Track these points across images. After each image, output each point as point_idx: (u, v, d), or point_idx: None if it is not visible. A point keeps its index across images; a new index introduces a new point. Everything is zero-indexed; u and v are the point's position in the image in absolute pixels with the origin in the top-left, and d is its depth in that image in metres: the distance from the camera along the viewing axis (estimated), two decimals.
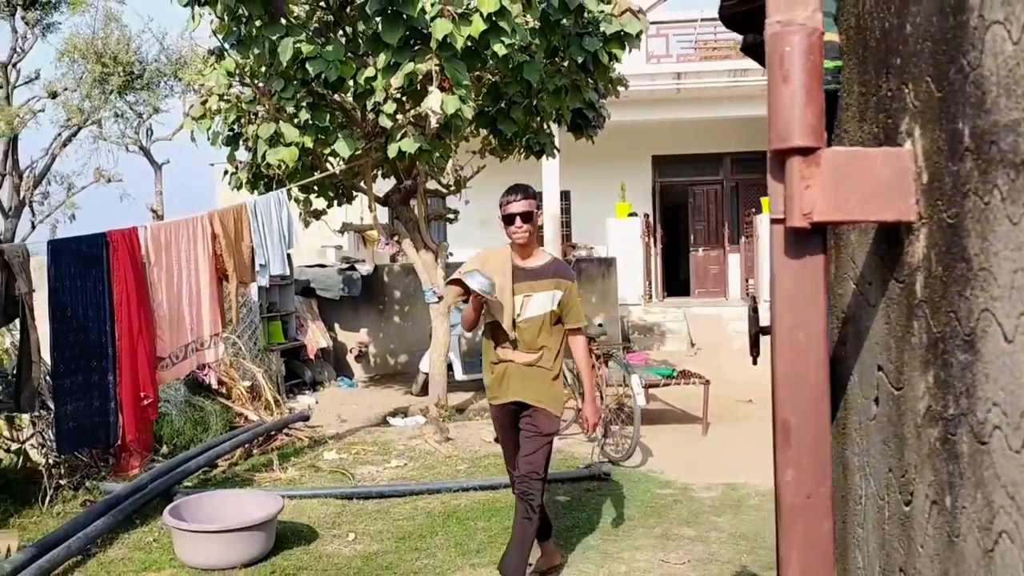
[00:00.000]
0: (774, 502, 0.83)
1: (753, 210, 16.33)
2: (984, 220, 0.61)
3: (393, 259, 14.89)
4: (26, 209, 22.15)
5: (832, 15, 0.87)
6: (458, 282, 4.10)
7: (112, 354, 4.96)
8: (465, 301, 4.23)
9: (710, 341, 13.85)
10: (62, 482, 5.82)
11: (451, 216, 10.45)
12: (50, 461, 5.83)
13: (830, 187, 0.69)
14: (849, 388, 0.84)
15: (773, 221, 0.77)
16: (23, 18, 21.42)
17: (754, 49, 1.54)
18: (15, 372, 4.62)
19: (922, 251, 0.67)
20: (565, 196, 17.09)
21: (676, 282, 18.83)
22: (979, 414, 0.63)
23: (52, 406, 5.01)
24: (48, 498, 5.64)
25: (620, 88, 9.05)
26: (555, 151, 9.42)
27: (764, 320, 1.58)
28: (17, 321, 4.53)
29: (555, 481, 6.13)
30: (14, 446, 5.92)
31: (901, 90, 0.70)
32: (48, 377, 5.21)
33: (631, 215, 15.67)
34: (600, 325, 8.49)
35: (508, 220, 4.10)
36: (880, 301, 0.76)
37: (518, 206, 4.07)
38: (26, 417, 5.93)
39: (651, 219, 17.29)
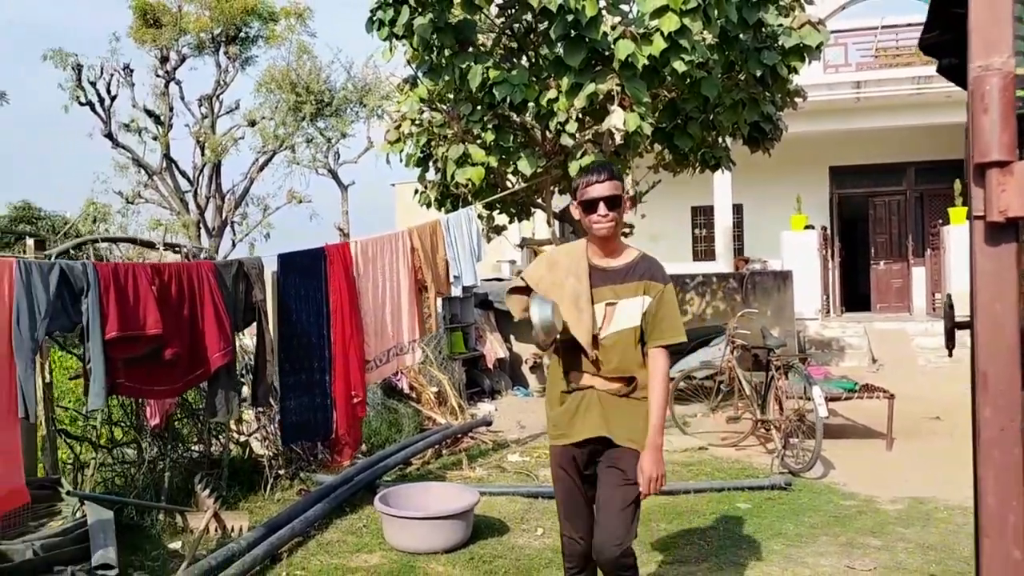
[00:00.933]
0: (972, 441, 1.04)
1: (940, 221, 15.61)
2: None
3: None
4: (227, 229, 24.14)
5: None
6: (522, 290, 3.39)
7: (328, 356, 5.51)
8: None
9: (893, 357, 13.36)
10: (280, 472, 6.47)
11: (626, 230, 10.68)
12: (270, 453, 6.50)
13: (1021, 191, 0.91)
14: None
15: (975, 218, 0.99)
16: (226, 53, 23.46)
17: (950, 71, 1.71)
18: (252, 371, 5.23)
19: None
20: (738, 209, 16.97)
21: (855, 296, 18.22)
22: None
23: (276, 403, 5.61)
24: (269, 486, 6.29)
25: (798, 99, 9.03)
26: (730, 164, 9.49)
27: (958, 317, 1.74)
28: (253, 326, 5.14)
29: (734, 490, 6.23)
30: (241, 439, 6.63)
31: None
32: (276, 376, 5.84)
33: (807, 228, 15.37)
34: (777, 337, 8.47)
35: (588, 207, 3.18)
36: None
37: (602, 188, 3.15)
38: (250, 413, 6.64)
39: (828, 231, 16.86)
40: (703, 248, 18.64)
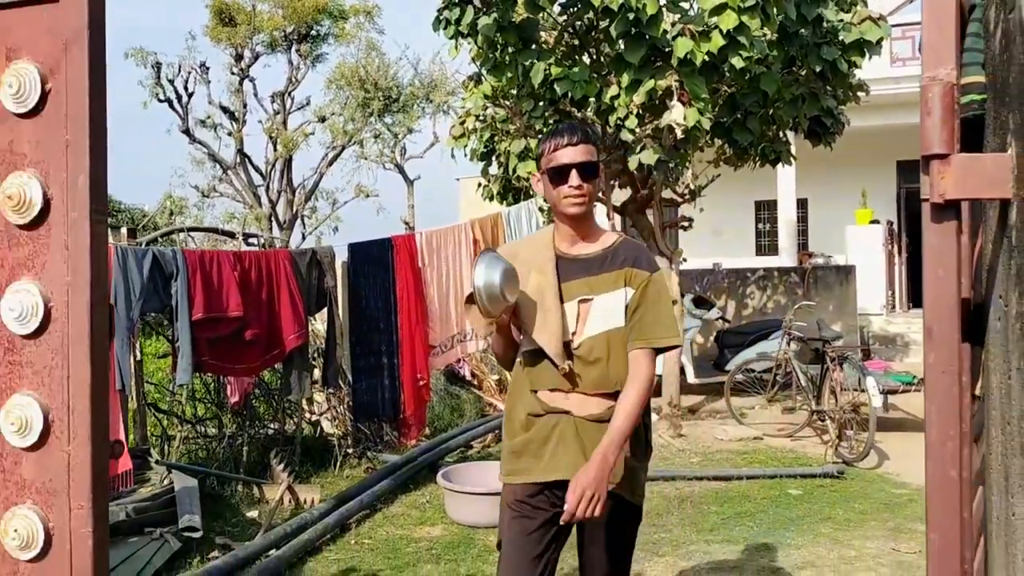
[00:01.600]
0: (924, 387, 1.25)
1: None
2: None
3: None
4: (297, 222, 24.84)
5: (981, 63, 1.28)
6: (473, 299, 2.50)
7: (396, 340, 5.84)
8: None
9: None
10: (349, 451, 6.82)
11: (685, 224, 10.80)
12: (339, 432, 6.86)
13: (957, 177, 1.12)
14: (987, 315, 1.26)
15: (923, 200, 1.20)
16: (298, 51, 24.12)
17: None
18: (324, 354, 5.59)
19: (1015, 216, 1.09)
20: (802, 204, 16.88)
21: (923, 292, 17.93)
22: None
23: (345, 385, 5.95)
24: (338, 463, 6.64)
25: (860, 94, 9.05)
26: (791, 159, 9.55)
27: None
28: (324, 311, 5.49)
29: (786, 476, 6.37)
30: (312, 418, 7.01)
31: (1008, 117, 1.11)
32: (345, 359, 6.19)
33: (872, 222, 15.23)
34: (833, 329, 8.54)
35: (557, 176, 2.48)
36: (1000, 252, 1.17)
37: (574, 152, 2.46)
38: (321, 394, 7.01)
39: (895, 226, 16.66)
40: (766, 243, 18.57)
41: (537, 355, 2.52)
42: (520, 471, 2.53)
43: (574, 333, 2.50)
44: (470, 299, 2.53)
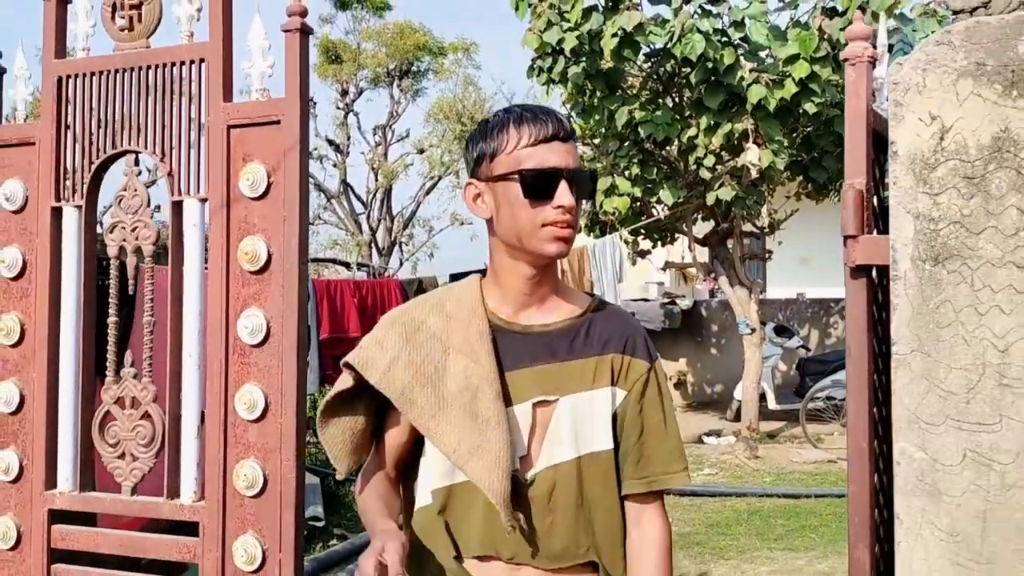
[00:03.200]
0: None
1: None
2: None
3: (712, 295, 15.81)
4: (396, 248, 25.97)
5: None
6: (347, 398, 1.57)
7: None
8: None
9: None
10: None
11: (766, 256, 11.22)
12: None
13: (861, 251, 1.72)
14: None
15: (845, 264, 1.79)
16: (399, 86, 25.38)
17: None
18: None
19: (888, 277, 1.68)
20: None
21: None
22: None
23: None
24: None
25: None
26: None
27: None
28: None
29: None
30: None
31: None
32: None
33: None
34: None
35: (536, 186, 1.44)
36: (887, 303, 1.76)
37: (563, 152, 1.47)
38: None
39: None
40: None
41: (464, 494, 1.49)
42: None
43: (524, 458, 1.49)
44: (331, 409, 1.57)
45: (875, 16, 7.08)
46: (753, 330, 9.48)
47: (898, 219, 1.45)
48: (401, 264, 26.41)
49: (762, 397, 10.07)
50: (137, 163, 2.27)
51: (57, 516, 2.32)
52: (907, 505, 1.41)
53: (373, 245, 24.75)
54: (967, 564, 1.36)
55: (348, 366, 1.55)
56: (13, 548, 2.36)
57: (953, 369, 1.38)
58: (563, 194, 1.44)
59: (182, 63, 2.20)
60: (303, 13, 2.13)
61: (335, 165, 24.46)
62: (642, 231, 10.42)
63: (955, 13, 1.48)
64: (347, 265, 6.98)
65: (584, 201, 1.64)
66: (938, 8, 8.34)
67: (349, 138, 25.17)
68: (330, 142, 24.36)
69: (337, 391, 1.56)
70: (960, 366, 1.38)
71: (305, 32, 2.14)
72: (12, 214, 2.38)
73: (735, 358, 12.66)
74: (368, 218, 25.03)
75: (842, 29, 7.33)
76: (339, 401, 1.56)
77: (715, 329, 13.59)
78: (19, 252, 2.36)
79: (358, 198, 24.97)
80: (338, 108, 24.66)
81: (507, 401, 1.49)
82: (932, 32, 8.18)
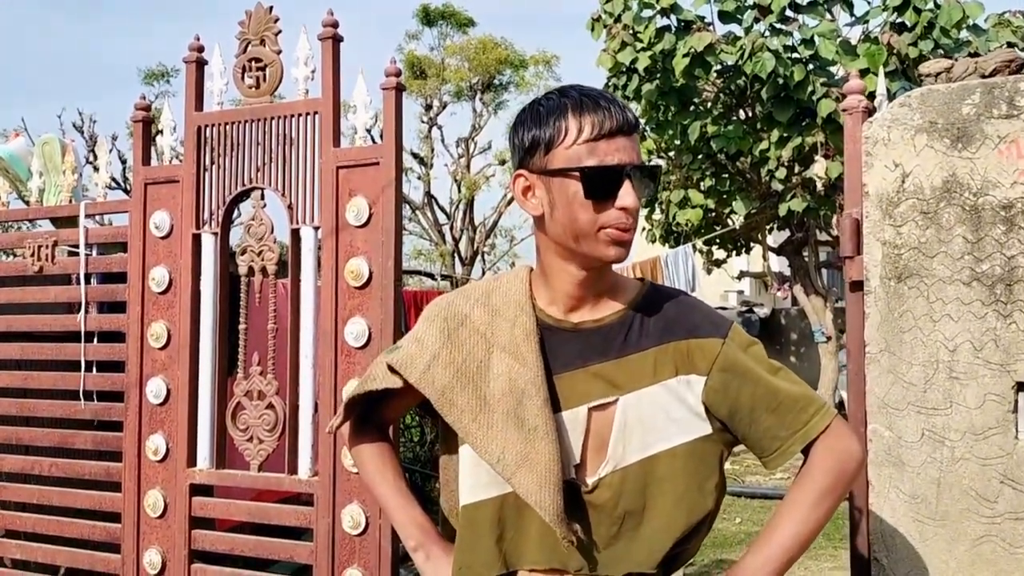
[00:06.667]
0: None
1: None
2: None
3: (793, 302, 15.86)
4: (478, 258, 26.58)
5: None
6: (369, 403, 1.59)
7: None
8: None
9: None
10: None
11: (841, 264, 11.28)
12: None
13: (856, 269, 2.06)
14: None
15: (847, 279, 2.13)
16: (481, 99, 26.02)
17: None
18: None
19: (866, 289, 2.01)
20: None
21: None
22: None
23: None
24: None
25: None
26: None
27: None
28: None
29: None
30: None
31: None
32: None
33: None
34: None
35: (599, 184, 1.33)
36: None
37: (628, 147, 1.35)
38: None
39: None
40: None
41: (512, 507, 1.40)
42: None
43: (579, 466, 1.39)
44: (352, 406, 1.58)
45: (944, 32, 7.24)
46: (829, 338, 9.63)
47: (869, 245, 1.80)
48: (483, 273, 26.95)
49: (839, 405, 10.18)
50: (263, 197, 2.75)
51: (196, 490, 2.81)
52: (877, 474, 1.76)
53: (456, 255, 25.40)
54: (925, 521, 1.70)
55: (391, 369, 1.49)
56: (161, 516, 2.86)
57: (913, 365, 1.73)
58: (627, 195, 1.33)
59: (299, 115, 2.67)
60: (397, 73, 2.58)
61: (419, 177, 25.22)
62: (716, 241, 10.68)
63: (923, 78, 1.81)
64: (432, 276, 7.45)
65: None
66: (1013, 19, 8.40)
67: (433, 151, 25.90)
68: (414, 155, 25.13)
69: (366, 390, 1.53)
70: (919, 362, 1.72)
71: (399, 90, 2.59)
72: (160, 239, 2.88)
73: (813, 365, 12.75)
74: (451, 228, 25.70)
75: (911, 44, 7.52)
76: (356, 406, 1.58)
77: (794, 337, 13.68)
78: (166, 271, 2.86)
79: (441, 209, 25.66)
80: (422, 122, 25.40)
81: (555, 407, 1.38)
82: (1007, 43, 8.25)
